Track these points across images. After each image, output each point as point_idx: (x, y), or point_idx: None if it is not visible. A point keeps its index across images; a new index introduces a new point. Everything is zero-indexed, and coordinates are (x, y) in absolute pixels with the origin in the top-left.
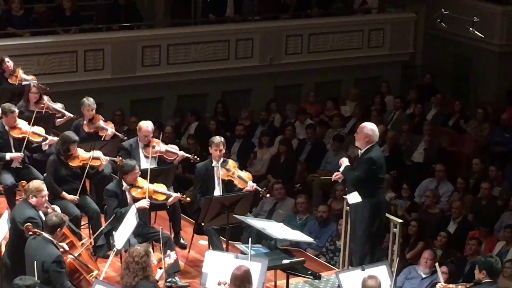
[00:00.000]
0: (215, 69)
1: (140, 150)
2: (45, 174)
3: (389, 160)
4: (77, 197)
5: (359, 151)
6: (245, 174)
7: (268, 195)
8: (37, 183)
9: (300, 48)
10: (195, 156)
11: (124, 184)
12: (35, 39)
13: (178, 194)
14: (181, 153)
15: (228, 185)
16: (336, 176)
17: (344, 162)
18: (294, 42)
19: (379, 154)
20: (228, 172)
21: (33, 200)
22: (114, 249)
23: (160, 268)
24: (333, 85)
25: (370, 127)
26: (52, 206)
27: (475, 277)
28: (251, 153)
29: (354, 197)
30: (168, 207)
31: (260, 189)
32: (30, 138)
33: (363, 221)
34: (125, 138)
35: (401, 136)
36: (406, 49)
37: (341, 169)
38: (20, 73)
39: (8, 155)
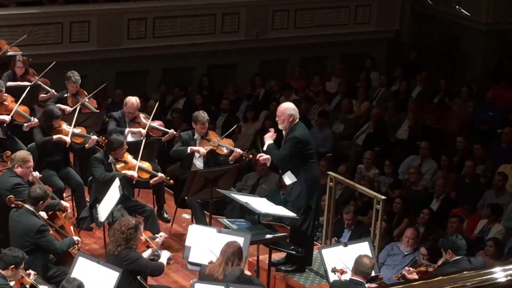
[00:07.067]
0: (201, 43)
1: (126, 124)
2: (29, 145)
3: (374, 136)
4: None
5: (284, 132)
6: (226, 142)
7: (251, 156)
8: (24, 154)
9: (286, 23)
10: (179, 133)
11: (110, 157)
12: (21, 10)
13: (162, 175)
14: (167, 130)
15: (211, 155)
16: (262, 158)
17: (267, 139)
18: (281, 17)
19: (304, 131)
20: (209, 142)
21: (18, 170)
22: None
23: (148, 246)
24: (318, 60)
25: (291, 107)
26: (34, 174)
27: (443, 258)
28: (236, 128)
29: (289, 177)
30: (151, 186)
31: (243, 152)
32: (14, 117)
33: (303, 197)
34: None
35: (386, 113)
36: (392, 26)
37: (264, 148)
38: (5, 45)
39: None
